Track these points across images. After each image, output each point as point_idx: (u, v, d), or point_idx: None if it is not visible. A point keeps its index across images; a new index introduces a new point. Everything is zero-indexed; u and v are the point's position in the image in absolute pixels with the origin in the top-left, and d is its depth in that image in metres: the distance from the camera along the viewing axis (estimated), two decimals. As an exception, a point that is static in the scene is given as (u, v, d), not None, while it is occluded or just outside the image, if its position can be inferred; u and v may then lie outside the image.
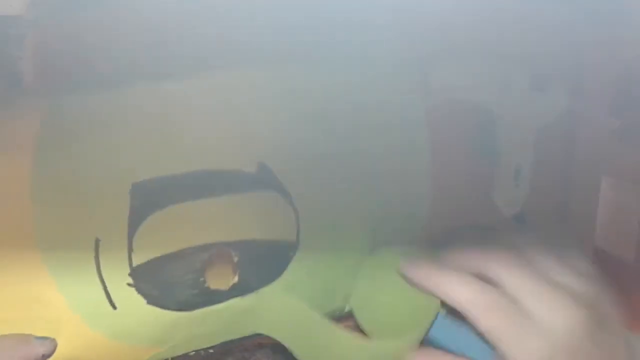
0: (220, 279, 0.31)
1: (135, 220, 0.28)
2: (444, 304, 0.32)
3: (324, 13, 0.31)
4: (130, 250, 0.28)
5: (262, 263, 0.32)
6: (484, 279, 0.29)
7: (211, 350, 0.34)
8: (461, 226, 0.36)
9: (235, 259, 0.31)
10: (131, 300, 0.29)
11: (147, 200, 0.28)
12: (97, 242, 0.28)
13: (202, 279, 0.30)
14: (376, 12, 0.32)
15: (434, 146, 0.36)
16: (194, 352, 0.33)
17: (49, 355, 0.27)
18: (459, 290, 0.28)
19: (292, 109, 0.32)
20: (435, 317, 0.33)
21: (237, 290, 0.32)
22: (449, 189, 0.37)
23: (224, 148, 0.30)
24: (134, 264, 0.29)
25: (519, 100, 0.38)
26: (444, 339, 0.32)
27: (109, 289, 0.29)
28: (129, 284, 0.29)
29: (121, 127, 0.28)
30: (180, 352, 0.32)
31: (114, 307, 0.29)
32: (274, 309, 0.33)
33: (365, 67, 0.34)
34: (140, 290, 0.29)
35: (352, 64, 0.33)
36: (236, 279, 0.31)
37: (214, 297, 0.31)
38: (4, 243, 0.27)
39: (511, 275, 0.28)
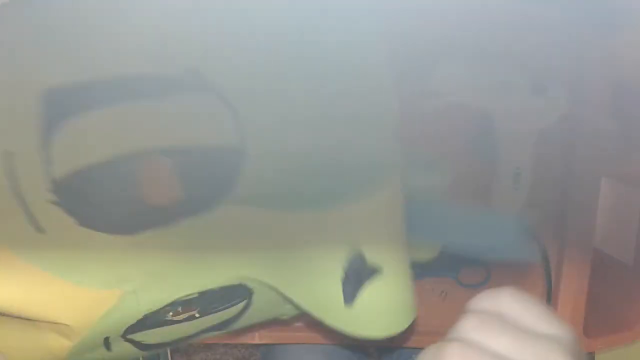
0: (160, 195, 0.27)
1: (47, 129, 0.25)
2: None
3: (318, 18, 0.30)
4: (45, 161, 0.25)
5: (207, 174, 0.28)
6: None
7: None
8: None
9: (169, 167, 0.27)
10: (60, 223, 0.25)
11: (60, 107, 0.25)
12: (9, 155, 0.24)
13: (138, 195, 0.27)
14: (375, 13, 0.32)
15: (432, 148, 0.37)
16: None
17: None
18: None
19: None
20: None
21: (187, 209, 0.28)
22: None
23: (143, 51, 0.26)
24: (56, 177, 0.25)
25: (519, 103, 0.38)
26: None
27: (31, 209, 0.25)
28: (53, 202, 0.25)
29: (29, 27, 0.25)
30: (155, 308, 0.28)
31: (42, 231, 0.25)
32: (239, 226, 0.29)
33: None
34: (68, 210, 0.25)
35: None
36: (181, 194, 0.27)
37: (158, 218, 0.27)
38: None
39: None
